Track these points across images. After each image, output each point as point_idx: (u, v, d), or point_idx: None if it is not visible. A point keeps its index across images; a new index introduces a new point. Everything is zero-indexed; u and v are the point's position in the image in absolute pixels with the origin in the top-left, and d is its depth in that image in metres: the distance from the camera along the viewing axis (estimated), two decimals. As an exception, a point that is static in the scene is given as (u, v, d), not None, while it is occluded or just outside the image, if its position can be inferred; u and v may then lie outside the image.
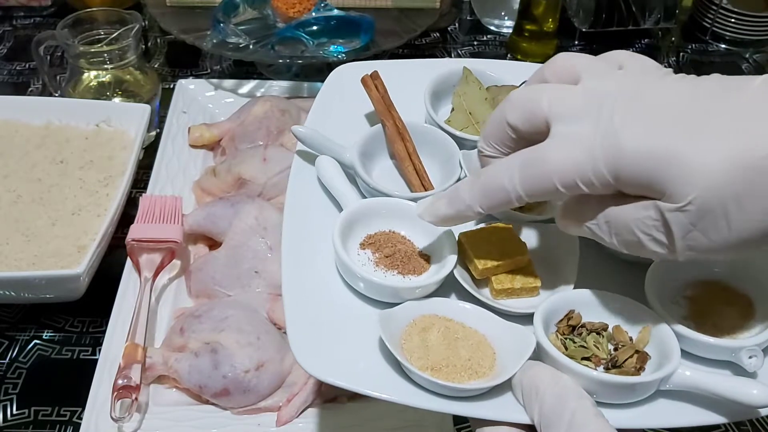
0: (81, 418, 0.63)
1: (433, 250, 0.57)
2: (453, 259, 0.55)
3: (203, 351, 0.65)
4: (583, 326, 0.53)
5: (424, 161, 0.63)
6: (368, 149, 0.63)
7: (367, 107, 0.66)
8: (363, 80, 0.65)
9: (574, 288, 0.55)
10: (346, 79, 0.68)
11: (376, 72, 0.66)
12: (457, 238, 0.57)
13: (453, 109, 0.68)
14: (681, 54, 1.17)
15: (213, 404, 0.65)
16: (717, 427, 0.69)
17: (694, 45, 1.18)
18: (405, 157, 0.63)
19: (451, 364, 0.50)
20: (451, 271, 0.54)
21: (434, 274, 0.54)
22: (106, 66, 0.89)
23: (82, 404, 0.63)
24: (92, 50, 0.88)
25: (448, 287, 0.55)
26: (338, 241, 0.54)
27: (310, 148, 0.62)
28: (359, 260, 0.55)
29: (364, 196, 0.60)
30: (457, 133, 0.64)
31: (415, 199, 0.59)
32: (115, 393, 0.62)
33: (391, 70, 0.67)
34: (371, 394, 0.47)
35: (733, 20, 1.15)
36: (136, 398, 0.62)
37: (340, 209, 0.58)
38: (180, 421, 0.63)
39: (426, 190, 0.61)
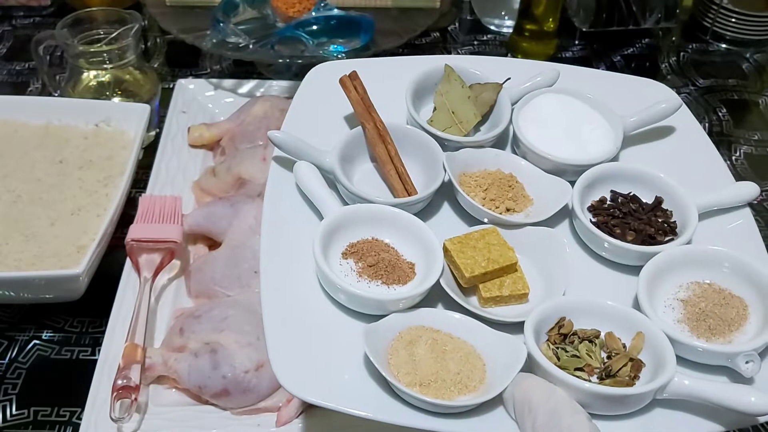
0: (80, 419, 0.63)
1: (418, 258, 0.56)
2: (439, 267, 0.53)
3: (203, 351, 0.65)
4: (575, 334, 0.52)
5: (407, 164, 0.62)
6: (348, 153, 0.61)
7: (347, 108, 0.64)
8: (341, 81, 0.64)
9: (565, 294, 0.55)
10: (324, 80, 0.67)
11: (354, 72, 0.64)
12: (442, 245, 0.56)
13: (435, 109, 0.67)
14: (681, 54, 1.16)
15: (213, 405, 0.65)
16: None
17: (694, 45, 1.18)
18: (387, 160, 0.62)
19: (440, 379, 0.49)
20: (437, 280, 0.53)
21: (419, 285, 0.53)
22: (105, 66, 0.89)
23: (82, 404, 0.63)
24: (92, 50, 0.88)
25: (434, 296, 0.54)
26: (319, 251, 0.52)
27: (288, 154, 0.60)
28: (341, 271, 0.54)
29: (345, 203, 0.59)
30: (440, 133, 0.63)
31: (398, 205, 0.58)
32: (115, 393, 0.61)
33: (370, 69, 0.66)
34: (357, 414, 0.47)
35: (733, 20, 1.15)
36: (136, 398, 0.62)
37: (321, 217, 0.57)
38: (179, 421, 0.63)
39: (409, 195, 0.60)
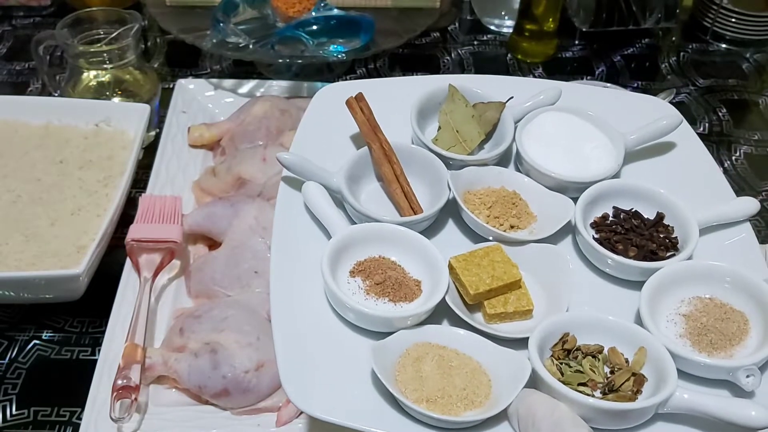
0: (80, 419, 0.63)
1: (424, 275, 0.57)
2: (444, 284, 0.54)
3: (203, 351, 0.65)
4: (578, 349, 0.52)
5: (412, 183, 0.63)
6: (355, 173, 0.62)
7: (353, 129, 0.66)
8: (348, 102, 0.65)
9: (568, 310, 0.55)
10: (331, 102, 0.68)
11: (360, 94, 0.65)
12: (448, 263, 0.56)
13: (439, 128, 0.68)
14: (681, 54, 1.16)
15: (213, 405, 0.65)
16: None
17: (694, 45, 1.18)
18: (393, 179, 0.62)
19: (446, 395, 0.49)
20: (443, 297, 0.54)
21: (425, 302, 0.54)
22: (105, 66, 0.89)
23: (82, 405, 0.63)
24: (92, 50, 0.88)
25: (440, 313, 0.55)
26: (327, 270, 0.53)
27: (297, 175, 0.61)
28: (349, 289, 0.55)
29: (352, 222, 0.60)
30: (444, 152, 0.64)
31: (404, 224, 0.58)
32: (115, 393, 0.61)
33: (375, 90, 0.67)
34: (366, 430, 0.47)
35: (733, 20, 1.15)
36: (136, 398, 0.62)
37: (329, 236, 0.57)
38: (179, 421, 0.63)
39: (415, 213, 0.60)
